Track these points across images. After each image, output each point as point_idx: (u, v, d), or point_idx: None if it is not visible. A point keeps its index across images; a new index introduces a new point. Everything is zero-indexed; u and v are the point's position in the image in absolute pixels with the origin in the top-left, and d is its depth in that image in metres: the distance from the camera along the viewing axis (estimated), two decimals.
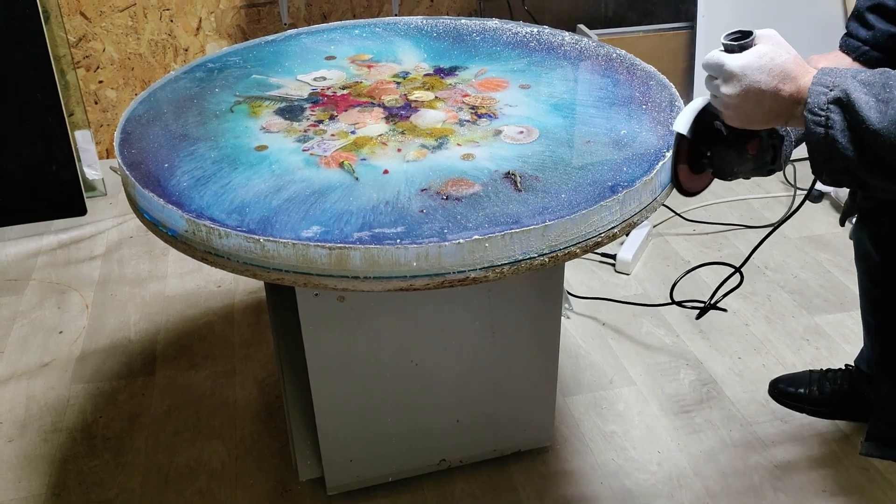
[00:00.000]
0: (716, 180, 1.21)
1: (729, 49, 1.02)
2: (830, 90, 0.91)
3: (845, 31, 1.25)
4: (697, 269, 2.22)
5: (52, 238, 2.44)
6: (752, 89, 0.99)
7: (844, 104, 0.90)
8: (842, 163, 0.91)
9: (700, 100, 1.12)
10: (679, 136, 1.13)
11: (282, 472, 1.65)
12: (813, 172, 0.96)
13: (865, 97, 0.88)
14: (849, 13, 2.49)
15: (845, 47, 1.23)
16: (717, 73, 1.03)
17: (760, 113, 1.00)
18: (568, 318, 2.07)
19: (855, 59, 1.21)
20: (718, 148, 1.11)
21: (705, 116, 1.11)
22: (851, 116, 0.89)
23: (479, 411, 1.56)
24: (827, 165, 0.93)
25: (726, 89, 1.01)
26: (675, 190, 1.19)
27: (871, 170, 0.90)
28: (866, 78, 0.90)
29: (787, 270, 2.24)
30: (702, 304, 2.04)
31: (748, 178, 1.18)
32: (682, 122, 1.12)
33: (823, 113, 0.91)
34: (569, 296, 2.12)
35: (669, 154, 1.16)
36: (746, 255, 1.89)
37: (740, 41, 1.02)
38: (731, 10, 2.51)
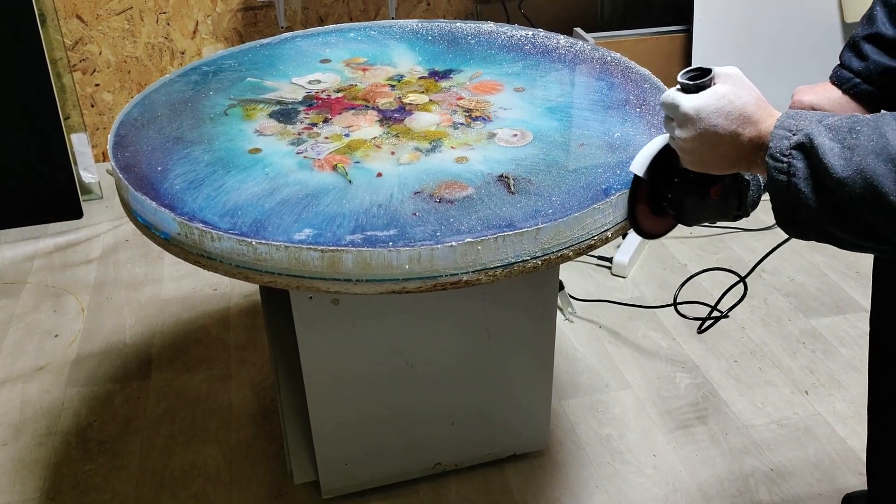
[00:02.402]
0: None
1: (685, 89, 0.93)
2: (793, 134, 0.83)
3: (839, 61, 1.17)
4: (696, 274, 2.23)
5: (48, 241, 2.44)
6: (709, 133, 0.90)
7: (808, 150, 0.81)
8: (806, 213, 0.83)
9: (660, 139, 1.06)
10: (636, 177, 1.07)
11: (277, 476, 1.64)
12: (777, 224, 0.87)
13: (830, 143, 0.80)
14: (845, 15, 2.50)
15: (836, 78, 1.15)
16: (673, 115, 0.95)
17: (718, 158, 0.93)
18: (571, 321, 2.07)
19: (844, 92, 1.14)
20: (678, 192, 1.05)
21: (667, 157, 1.04)
22: (814, 163, 0.81)
23: (475, 414, 1.56)
24: (791, 216, 0.85)
25: (680, 132, 0.94)
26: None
27: (835, 222, 0.81)
28: (833, 122, 0.82)
29: (783, 273, 2.24)
30: (704, 311, 2.05)
31: (713, 223, 1.12)
32: (639, 164, 1.06)
33: (786, 159, 0.83)
34: (571, 299, 2.12)
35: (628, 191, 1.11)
36: (754, 264, 1.89)
37: (698, 80, 0.93)
38: (728, 13, 2.51)
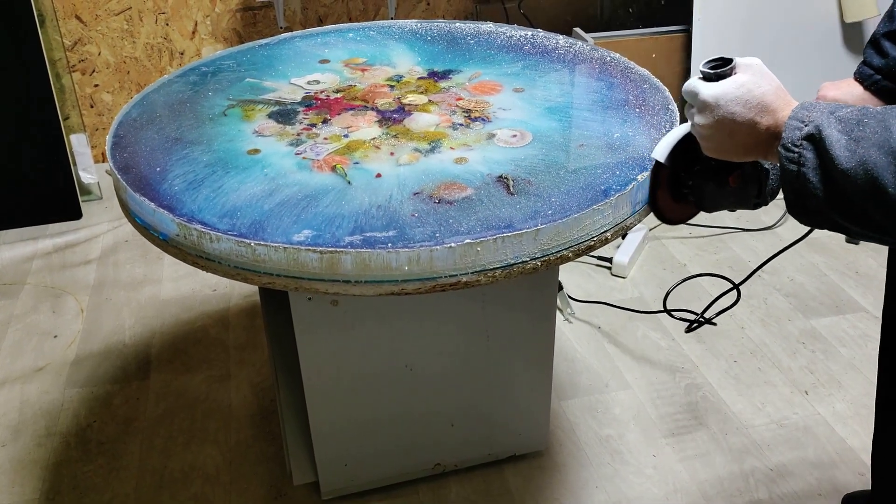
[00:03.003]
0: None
1: (706, 77, 0.96)
2: (805, 125, 0.85)
3: (862, 58, 1.18)
4: (689, 278, 2.22)
5: (47, 242, 2.44)
6: (726, 121, 0.93)
7: (817, 140, 0.83)
8: (814, 203, 0.84)
9: (683, 127, 1.08)
10: (657, 163, 1.10)
11: (276, 477, 1.64)
12: (788, 213, 0.89)
13: (838, 134, 0.81)
14: (844, 15, 2.50)
15: (858, 75, 1.16)
16: (693, 102, 0.98)
17: (735, 145, 0.95)
18: (570, 322, 2.07)
19: (866, 88, 1.15)
20: (698, 178, 1.08)
21: (689, 144, 1.06)
22: (822, 154, 0.82)
23: (474, 415, 1.56)
24: (801, 206, 0.86)
25: (699, 119, 0.97)
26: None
27: (841, 213, 0.83)
28: (844, 114, 0.83)
29: (782, 273, 2.24)
30: (695, 315, 2.05)
31: (733, 211, 1.13)
32: (661, 150, 1.09)
33: (797, 149, 0.84)
34: (570, 300, 2.11)
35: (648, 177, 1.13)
36: (748, 274, 1.88)
37: (719, 69, 0.96)
38: (727, 13, 2.51)
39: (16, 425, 1.78)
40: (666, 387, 1.87)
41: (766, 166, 1.07)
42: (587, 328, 2.06)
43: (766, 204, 1.10)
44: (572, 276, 2.24)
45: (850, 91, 1.16)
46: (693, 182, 1.09)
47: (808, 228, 1.09)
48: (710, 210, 1.11)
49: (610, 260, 2.26)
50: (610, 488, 1.61)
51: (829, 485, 1.62)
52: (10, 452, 1.71)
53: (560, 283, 2.09)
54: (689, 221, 1.23)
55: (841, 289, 2.17)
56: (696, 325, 2.03)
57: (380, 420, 1.50)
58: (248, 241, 1.03)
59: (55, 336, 2.05)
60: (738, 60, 0.96)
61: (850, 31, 2.55)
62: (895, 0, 1.13)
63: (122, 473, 1.66)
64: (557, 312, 2.06)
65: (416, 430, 1.54)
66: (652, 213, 1.16)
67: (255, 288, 2.15)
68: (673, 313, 2.07)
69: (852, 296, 2.15)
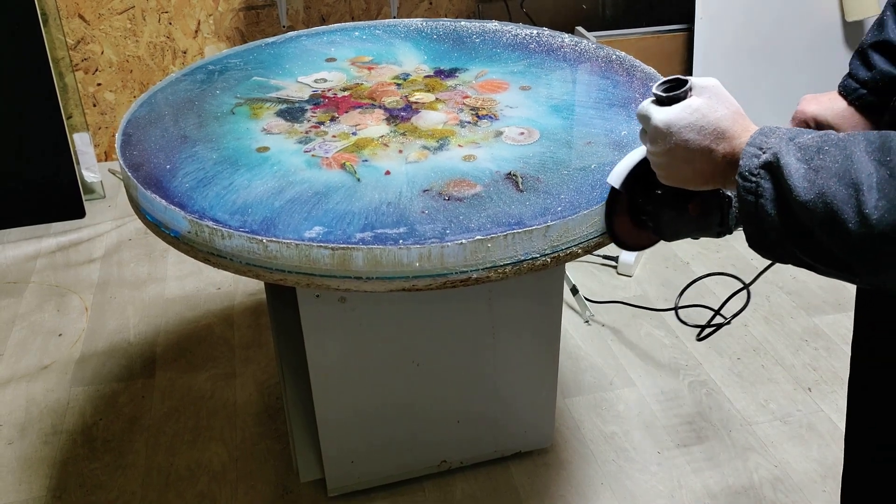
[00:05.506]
0: None
1: (659, 100, 0.87)
2: (763, 152, 0.77)
3: (848, 69, 1.09)
4: (699, 279, 2.22)
5: (51, 241, 2.44)
6: (680, 148, 0.85)
7: (774, 169, 0.75)
8: (774, 236, 0.77)
9: (641, 150, 1.01)
10: (613, 189, 1.03)
11: (282, 474, 1.65)
12: (749, 245, 0.81)
13: (797, 163, 0.74)
14: (846, 13, 2.51)
15: (843, 89, 1.07)
16: (646, 127, 0.89)
17: (691, 173, 0.87)
18: (589, 324, 2.07)
19: (850, 104, 1.06)
20: (656, 205, 1.01)
21: (648, 168, 0.97)
22: (780, 184, 0.75)
23: (480, 412, 1.56)
24: (761, 239, 0.79)
25: (651, 146, 0.89)
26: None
27: (801, 247, 0.75)
28: (805, 141, 0.76)
29: (785, 271, 2.25)
30: (706, 319, 2.04)
31: (696, 239, 1.07)
32: (617, 175, 1.02)
33: (754, 179, 0.77)
34: (587, 302, 2.11)
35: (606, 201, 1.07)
36: (758, 273, 1.85)
37: (672, 91, 0.86)
38: (729, 12, 2.52)
39: (22, 423, 1.78)
40: (670, 385, 1.87)
41: (730, 193, 0.99)
42: (592, 326, 2.06)
43: (731, 233, 1.02)
44: (578, 276, 2.25)
45: (831, 106, 1.08)
46: (651, 209, 1.02)
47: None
48: (669, 239, 1.04)
49: (615, 259, 2.27)
50: (615, 485, 1.62)
51: (834, 481, 1.62)
52: (17, 450, 1.71)
53: (575, 287, 2.09)
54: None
55: (843, 286, 2.18)
56: (711, 329, 2.00)
57: (386, 417, 1.50)
58: (259, 237, 1.03)
59: (60, 335, 2.05)
60: (693, 81, 0.87)
61: (852, 30, 2.56)
62: (885, 7, 1.05)
63: (128, 471, 1.66)
64: (570, 312, 2.07)
65: (422, 426, 1.54)
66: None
67: (260, 286, 2.15)
68: (683, 319, 2.04)
69: (854, 293, 2.15)
